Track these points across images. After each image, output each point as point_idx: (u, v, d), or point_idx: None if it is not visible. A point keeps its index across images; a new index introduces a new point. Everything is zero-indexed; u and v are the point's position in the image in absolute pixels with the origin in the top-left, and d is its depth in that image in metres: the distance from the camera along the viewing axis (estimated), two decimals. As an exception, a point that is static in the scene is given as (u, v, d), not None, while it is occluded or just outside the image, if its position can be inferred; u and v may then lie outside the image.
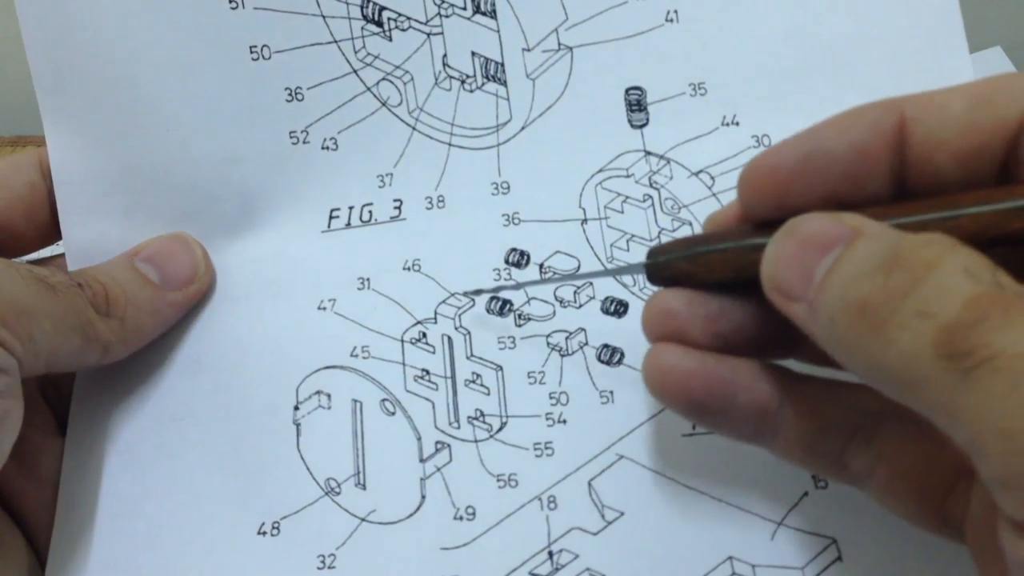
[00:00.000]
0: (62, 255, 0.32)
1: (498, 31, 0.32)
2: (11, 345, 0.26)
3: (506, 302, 0.31)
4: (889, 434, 0.24)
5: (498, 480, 0.29)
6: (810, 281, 0.21)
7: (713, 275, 0.24)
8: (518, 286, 0.30)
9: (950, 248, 0.19)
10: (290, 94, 0.32)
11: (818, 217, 0.21)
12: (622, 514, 0.28)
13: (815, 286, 0.20)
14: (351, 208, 0.32)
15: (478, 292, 0.30)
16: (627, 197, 0.32)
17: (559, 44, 0.32)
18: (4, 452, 0.27)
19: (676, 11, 0.32)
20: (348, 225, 0.32)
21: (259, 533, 0.28)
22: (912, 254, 0.19)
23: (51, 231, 0.32)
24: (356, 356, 0.30)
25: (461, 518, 0.28)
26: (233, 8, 0.31)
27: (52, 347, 0.27)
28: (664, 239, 0.31)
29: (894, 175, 0.23)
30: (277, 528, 0.28)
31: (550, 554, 0.28)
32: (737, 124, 0.32)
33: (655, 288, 0.30)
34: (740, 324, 0.24)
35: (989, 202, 0.20)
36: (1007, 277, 0.18)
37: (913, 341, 0.18)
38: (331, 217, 0.32)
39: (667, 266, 0.25)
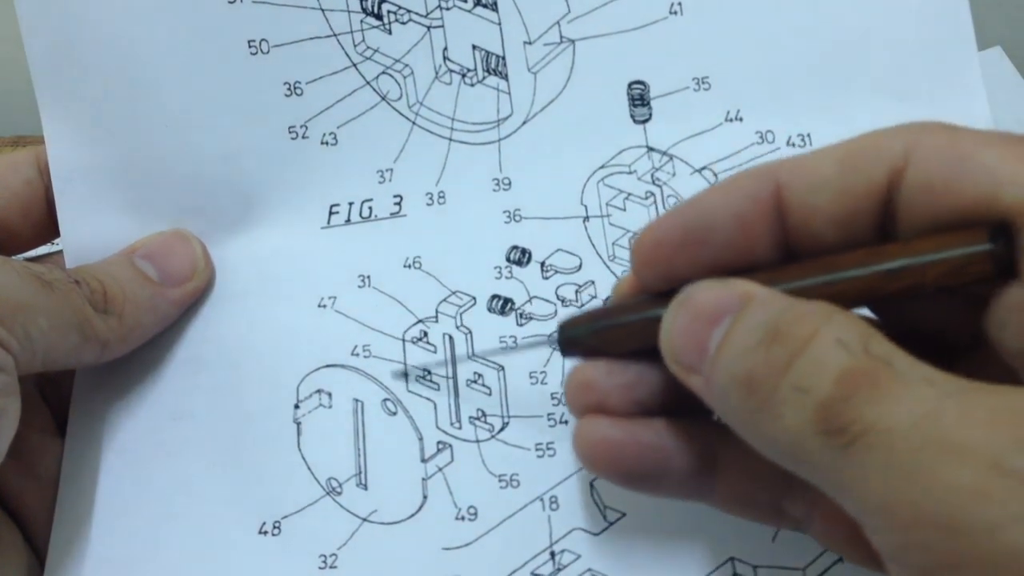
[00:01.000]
0: (59, 252, 0.32)
1: (499, 24, 0.32)
2: (7, 342, 0.26)
3: (507, 301, 0.31)
4: None
5: (500, 480, 0.29)
6: (705, 353, 0.21)
7: (620, 347, 0.25)
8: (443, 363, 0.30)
9: (826, 318, 0.19)
10: (289, 89, 0.32)
11: (708, 285, 0.22)
12: (624, 515, 0.28)
13: (709, 359, 0.21)
14: (351, 204, 0.32)
15: (404, 374, 0.30)
16: (629, 194, 0.32)
17: (561, 37, 0.32)
18: (2, 450, 0.27)
19: (680, 3, 0.32)
20: (348, 221, 0.32)
21: (260, 532, 0.29)
22: (789, 327, 0.19)
23: (48, 229, 0.33)
24: (357, 355, 0.31)
25: (463, 518, 0.29)
26: (231, 3, 0.31)
27: (49, 344, 0.27)
28: (667, 236, 0.31)
29: (777, 240, 0.23)
30: (278, 528, 0.29)
31: (552, 554, 0.28)
32: (741, 120, 0.32)
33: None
34: (659, 388, 0.25)
35: (866, 264, 0.21)
36: (880, 343, 0.19)
37: (794, 417, 0.18)
38: (331, 213, 0.32)
39: (576, 341, 0.25)
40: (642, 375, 0.25)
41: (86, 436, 0.30)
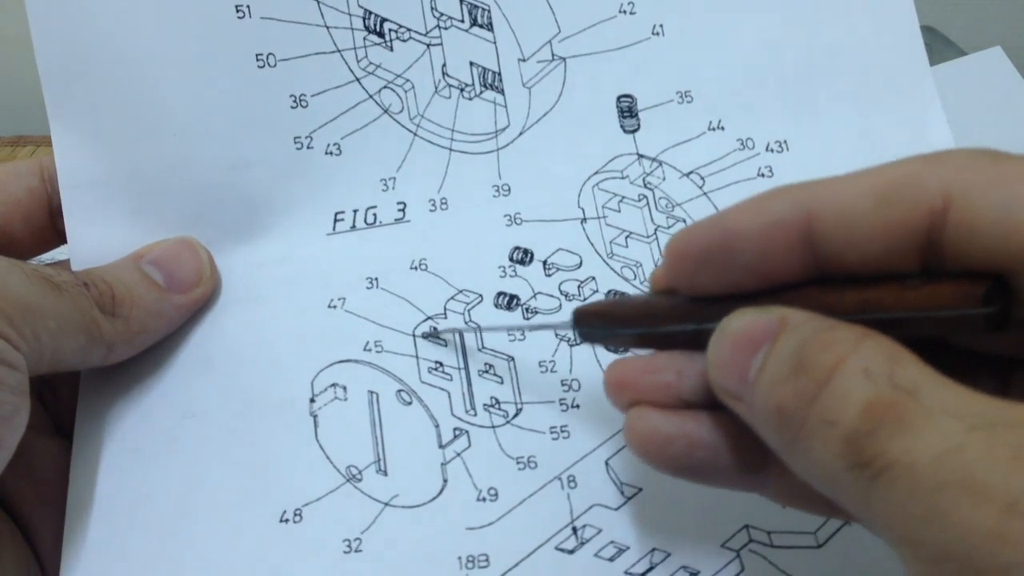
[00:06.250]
0: (65, 261, 0.34)
1: (494, 43, 0.37)
2: (17, 343, 0.28)
3: (513, 297, 0.35)
4: None
5: (517, 463, 0.32)
6: (745, 381, 0.22)
7: (633, 346, 0.28)
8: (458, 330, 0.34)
9: (852, 347, 0.20)
10: (295, 101, 0.35)
11: (745, 313, 0.23)
12: (640, 490, 0.32)
13: (748, 388, 0.22)
14: (355, 211, 0.36)
15: (428, 335, 0.34)
16: (623, 197, 0.36)
17: (553, 55, 0.37)
18: (11, 449, 0.29)
19: (662, 25, 0.37)
20: (353, 227, 0.36)
21: (282, 521, 0.31)
22: (815, 357, 0.20)
23: (49, 237, 0.35)
24: (369, 350, 0.33)
25: (484, 499, 0.31)
26: (240, 17, 0.35)
27: (57, 345, 0.29)
28: (660, 236, 0.36)
29: (804, 264, 0.24)
30: (299, 515, 0.31)
31: (574, 529, 0.31)
32: (722, 129, 0.37)
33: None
34: (701, 384, 0.26)
35: (864, 310, 0.22)
36: (908, 370, 0.19)
37: (823, 449, 0.20)
38: (336, 220, 0.36)
39: (592, 336, 0.29)
40: (681, 374, 0.26)
41: (96, 436, 0.32)
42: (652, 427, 0.26)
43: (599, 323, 0.28)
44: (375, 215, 0.36)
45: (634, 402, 0.26)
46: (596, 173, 0.37)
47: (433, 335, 0.34)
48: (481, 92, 0.37)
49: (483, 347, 0.34)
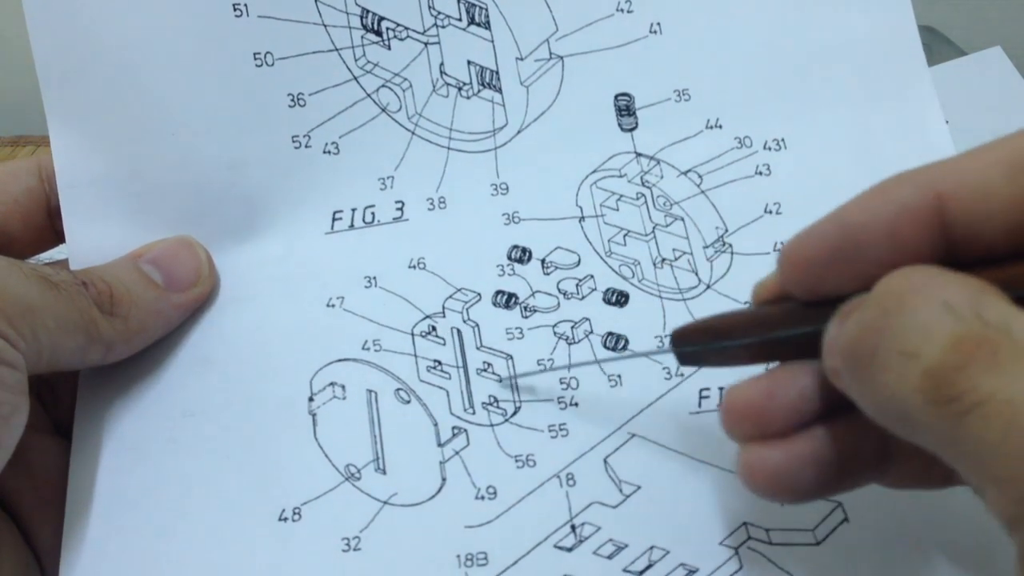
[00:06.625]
0: (63, 261, 0.34)
1: (492, 41, 0.37)
2: (16, 341, 0.28)
3: (512, 295, 0.35)
4: None
5: (516, 461, 0.32)
6: None
7: (741, 361, 0.26)
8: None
9: (928, 278, 0.20)
10: (292, 100, 0.36)
11: (860, 296, 0.23)
12: (639, 488, 0.32)
13: None
14: (354, 210, 0.36)
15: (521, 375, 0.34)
16: (621, 195, 0.36)
17: (551, 53, 0.37)
18: (10, 448, 0.29)
19: (659, 23, 0.37)
20: (351, 226, 0.36)
21: (280, 519, 0.31)
22: (881, 287, 0.20)
23: (48, 236, 0.35)
24: (368, 349, 0.34)
25: (483, 497, 0.31)
26: (237, 16, 0.35)
27: (55, 345, 0.30)
28: (658, 234, 0.36)
29: (935, 251, 0.23)
30: (298, 513, 0.31)
31: (573, 527, 0.31)
32: (720, 127, 0.37)
33: (656, 282, 0.35)
34: (817, 395, 0.25)
35: (1007, 287, 0.20)
36: (994, 306, 0.19)
37: (899, 383, 0.19)
38: (334, 219, 0.36)
39: (693, 356, 0.27)
40: (804, 389, 0.25)
41: (95, 435, 0.32)
42: (772, 464, 0.25)
43: (703, 339, 0.27)
44: (373, 214, 0.36)
45: (754, 434, 0.25)
46: (594, 171, 0.37)
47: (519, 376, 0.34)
48: (479, 91, 0.37)
49: (482, 345, 0.34)
